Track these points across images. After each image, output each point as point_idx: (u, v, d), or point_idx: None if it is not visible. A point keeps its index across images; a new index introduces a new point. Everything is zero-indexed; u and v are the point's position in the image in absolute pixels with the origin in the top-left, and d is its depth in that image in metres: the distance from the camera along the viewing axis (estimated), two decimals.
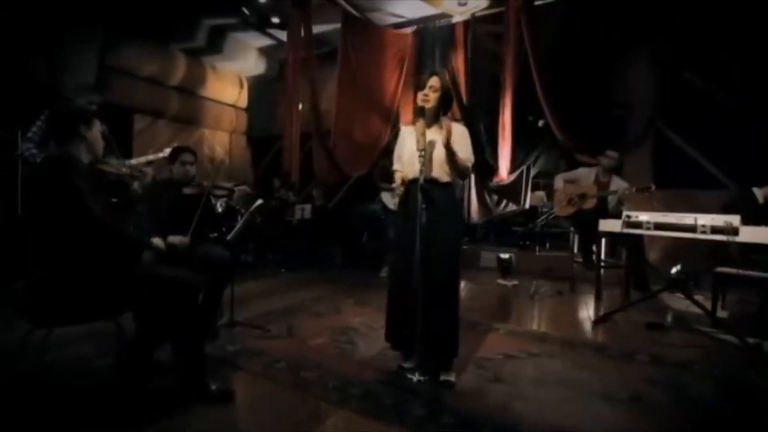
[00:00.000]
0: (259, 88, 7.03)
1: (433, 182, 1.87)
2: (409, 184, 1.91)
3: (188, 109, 5.95)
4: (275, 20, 4.82)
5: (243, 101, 6.90)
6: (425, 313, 1.78)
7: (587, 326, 2.91)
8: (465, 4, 4.87)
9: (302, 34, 4.49)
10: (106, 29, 4.43)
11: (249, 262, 4.79)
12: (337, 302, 3.41)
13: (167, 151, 3.25)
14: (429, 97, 1.89)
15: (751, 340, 2.49)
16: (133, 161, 3.08)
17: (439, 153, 1.87)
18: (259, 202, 2.41)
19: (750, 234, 2.36)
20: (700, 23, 3.97)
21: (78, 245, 1.55)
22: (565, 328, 2.87)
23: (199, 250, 2.41)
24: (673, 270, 3.65)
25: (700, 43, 4.02)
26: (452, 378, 1.89)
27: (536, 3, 4.68)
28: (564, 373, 2.06)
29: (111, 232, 1.57)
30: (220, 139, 6.64)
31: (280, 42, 6.13)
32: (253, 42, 6.25)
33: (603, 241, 3.99)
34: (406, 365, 1.99)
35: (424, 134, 1.82)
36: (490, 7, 5.00)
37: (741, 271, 2.70)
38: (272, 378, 1.91)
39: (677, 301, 3.46)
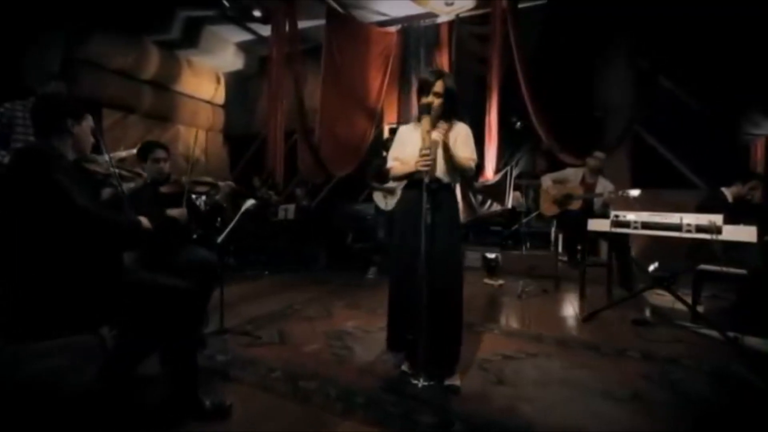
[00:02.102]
0: (236, 84, 6.79)
1: (436, 182, 1.84)
2: (411, 184, 1.86)
3: (162, 104, 5.66)
4: (257, 14, 4.64)
5: (220, 98, 6.64)
6: (429, 317, 1.73)
7: (577, 324, 2.96)
8: (452, 4, 4.87)
9: (287, 28, 4.35)
10: (73, 18, 4.13)
11: (230, 264, 4.60)
12: (327, 305, 3.31)
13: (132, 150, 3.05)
14: (434, 103, 1.85)
15: (731, 334, 2.59)
16: (106, 158, 2.87)
17: (440, 153, 1.83)
18: (251, 202, 2.29)
19: (732, 232, 2.46)
20: (676, 32, 4.14)
21: (56, 249, 1.40)
22: (557, 327, 2.90)
23: (183, 253, 2.27)
24: (651, 267, 3.79)
25: (676, 52, 4.19)
26: (457, 382, 1.85)
27: (519, 6, 4.74)
28: (563, 373, 2.07)
29: (105, 225, 1.42)
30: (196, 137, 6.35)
31: (259, 37, 5.93)
32: (231, 36, 6.02)
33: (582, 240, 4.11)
34: (409, 370, 1.94)
35: (429, 132, 1.78)
36: (476, 8, 5.02)
37: (724, 269, 2.81)
38: (269, 389, 1.81)
39: (656, 297, 3.57)
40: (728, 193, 3.24)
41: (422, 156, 1.79)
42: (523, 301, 3.64)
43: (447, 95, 1.86)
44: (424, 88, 1.87)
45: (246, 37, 6.00)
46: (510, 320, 3.06)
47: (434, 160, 1.81)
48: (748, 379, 2.09)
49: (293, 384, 1.85)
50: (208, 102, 6.46)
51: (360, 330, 2.69)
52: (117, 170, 1.97)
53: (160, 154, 2.25)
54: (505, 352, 2.31)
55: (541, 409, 1.67)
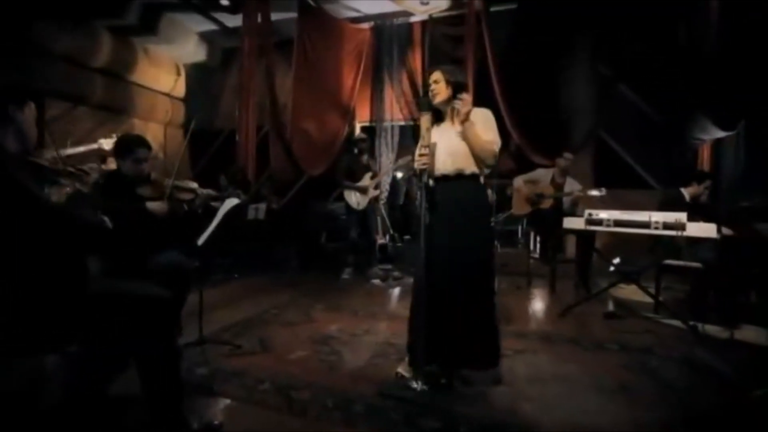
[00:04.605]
0: (198, 77, 6.39)
1: (458, 176, 1.81)
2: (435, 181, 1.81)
3: (115, 95, 5.19)
4: (224, 2, 4.37)
5: (180, 90, 6.22)
6: (442, 319, 1.70)
7: (554, 320, 3.04)
8: (427, 3, 4.87)
9: (259, 20, 4.14)
10: None
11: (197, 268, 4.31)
12: (305, 309, 3.19)
13: (103, 142, 2.77)
14: (436, 90, 1.83)
15: (691, 323, 2.78)
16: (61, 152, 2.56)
17: (458, 144, 1.80)
18: (235, 201, 2.13)
19: (694, 229, 2.65)
20: (633, 42, 4.42)
21: (11, 259, 1.20)
22: (536, 323, 2.99)
23: (156, 258, 2.08)
24: (615, 261, 4.02)
25: (633, 61, 4.47)
26: (451, 381, 1.83)
27: (491, 9, 4.83)
28: (552, 369, 2.12)
29: (71, 220, 1.25)
30: (154, 132, 5.90)
31: (224, 28, 5.63)
32: (193, 25, 5.64)
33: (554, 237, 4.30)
34: (406, 374, 1.89)
35: (429, 129, 1.75)
36: (450, 8, 5.06)
37: (686, 263, 3.02)
38: (260, 403, 1.69)
39: (618, 291, 3.75)
40: (686, 192, 3.49)
41: (420, 155, 1.76)
42: (499, 298, 3.69)
43: (451, 85, 1.83)
44: (426, 84, 1.86)
45: (209, 26, 5.66)
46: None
47: (432, 156, 1.79)
48: (712, 364, 2.24)
49: (285, 395, 1.74)
50: (166, 94, 6.02)
51: (345, 334, 2.61)
52: (64, 167, 1.75)
53: (143, 153, 2.01)
54: None
55: (542, 407, 1.69)
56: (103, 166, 2.93)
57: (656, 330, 2.84)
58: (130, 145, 2.02)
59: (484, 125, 1.84)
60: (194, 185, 2.14)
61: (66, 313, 1.29)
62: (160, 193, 2.02)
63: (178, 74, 6.07)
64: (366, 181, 4.40)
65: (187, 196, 2.08)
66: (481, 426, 1.54)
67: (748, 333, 2.71)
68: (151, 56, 5.56)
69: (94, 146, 2.53)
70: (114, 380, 1.48)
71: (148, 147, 2.06)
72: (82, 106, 4.78)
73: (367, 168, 4.45)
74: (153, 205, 1.94)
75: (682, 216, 2.67)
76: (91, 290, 1.41)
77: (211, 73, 6.44)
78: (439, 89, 1.84)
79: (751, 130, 4.07)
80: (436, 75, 1.86)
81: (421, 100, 1.83)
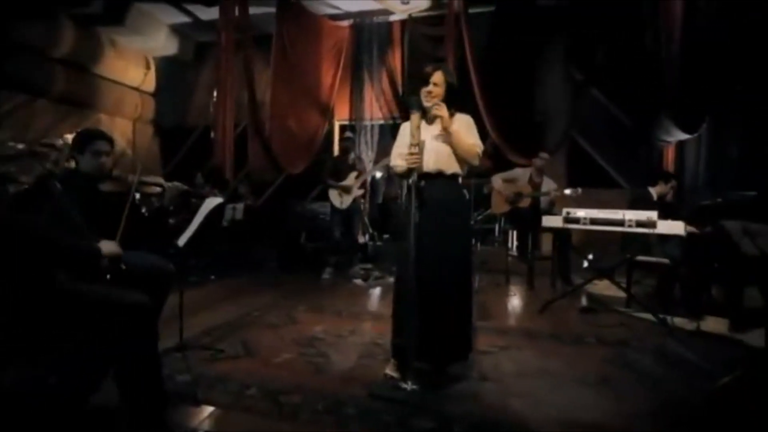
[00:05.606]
0: (169, 71, 6.14)
1: (439, 175, 1.82)
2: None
3: (79, 88, 4.89)
4: None
5: (150, 85, 5.95)
6: (428, 317, 1.70)
7: (534, 316, 3.12)
8: (407, 2, 4.88)
9: (236, 13, 4.01)
10: None
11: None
12: (288, 310, 3.13)
13: (68, 137, 2.60)
14: (434, 92, 1.83)
15: (661, 316, 2.93)
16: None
17: (442, 144, 1.81)
18: (217, 201, 2.04)
19: (665, 226, 2.78)
20: (605, 46, 4.59)
21: None
22: (516, 319, 3.06)
23: (131, 260, 1.97)
24: (590, 256, 4.18)
25: (604, 66, 4.65)
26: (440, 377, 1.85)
27: (470, 11, 4.90)
28: (537, 364, 2.17)
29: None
30: (122, 128, 5.62)
31: (197, 21, 5.43)
32: (164, 17, 5.41)
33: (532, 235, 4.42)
34: (395, 374, 1.88)
35: (419, 128, 1.75)
36: (430, 8, 5.09)
37: (656, 259, 3.17)
38: (248, 409, 1.63)
39: (590, 285, 3.87)
40: (653, 191, 3.66)
41: (410, 153, 1.75)
42: (479, 295, 3.76)
43: (446, 87, 1.84)
44: (425, 79, 1.85)
45: (181, 19, 5.44)
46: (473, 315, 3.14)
47: (421, 154, 1.79)
48: (683, 354, 2.36)
49: (273, 400, 1.69)
50: (135, 89, 5.74)
51: (330, 335, 2.57)
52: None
53: (103, 146, 1.86)
54: (479, 347, 2.35)
55: (531, 402, 1.72)
56: (66, 164, 2.74)
57: (629, 323, 2.96)
58: (88, 138, 1.85)
59: (467, 131, 1.89)
60: (161, 180, 2.03)
61: (39, 320, 1.20)
62: (124, 189, 1.90)
63: (148, 68, 5.80)
64: (351, 180, 4.36)
65: (154, 191, 1.97)
66: (473, 424, 1.55)
67: (711, 324, 2.88)
68: (119, 48, 5.29)
69: (59, 142, 2.36)
70: (93, 390, 1.39)
71: (109, 140, 1.91)
72: (42, 99, 4.48)
73: (352, 167, 4.42)
74: (103, 246, 1.62)
75: (653, 214, 2.80)
76: (66, 296, 1.33)
77: (183, 68, 6.21)
78: (437, 93, 1.84)
79: (712, 133, 4.32)
80: (438, 77, 1.84)
81: (411, 99, 1.83)
